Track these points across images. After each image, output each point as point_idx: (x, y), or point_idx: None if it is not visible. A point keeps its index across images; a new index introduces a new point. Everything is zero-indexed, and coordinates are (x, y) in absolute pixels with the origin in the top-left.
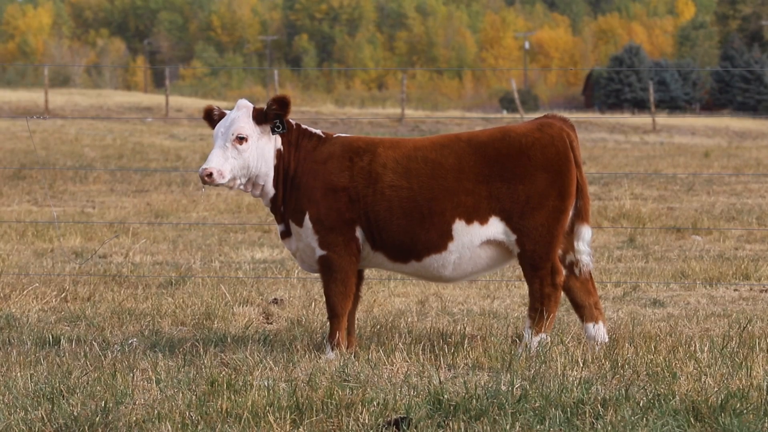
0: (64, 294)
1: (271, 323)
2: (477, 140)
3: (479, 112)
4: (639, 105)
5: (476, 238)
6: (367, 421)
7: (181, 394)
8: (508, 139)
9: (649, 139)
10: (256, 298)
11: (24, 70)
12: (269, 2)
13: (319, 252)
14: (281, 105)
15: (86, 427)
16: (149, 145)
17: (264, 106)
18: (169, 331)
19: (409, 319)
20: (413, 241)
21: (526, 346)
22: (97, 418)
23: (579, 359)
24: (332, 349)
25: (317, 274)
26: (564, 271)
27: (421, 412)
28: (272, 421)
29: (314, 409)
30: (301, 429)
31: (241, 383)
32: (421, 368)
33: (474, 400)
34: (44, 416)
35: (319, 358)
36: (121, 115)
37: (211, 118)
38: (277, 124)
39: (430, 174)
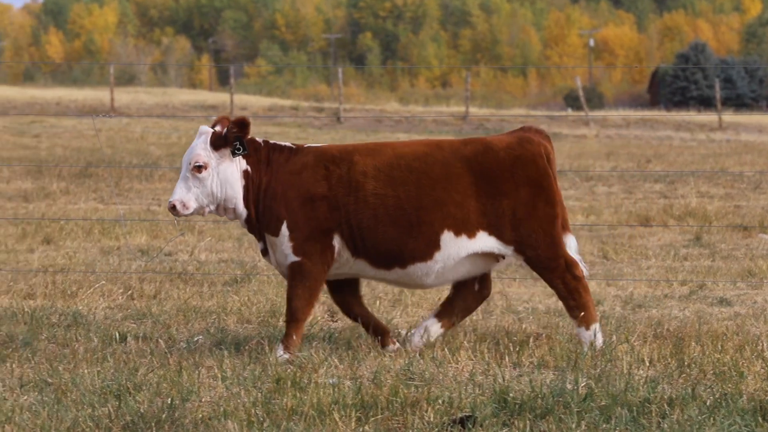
0: (130, 291)
1: (336, 321)
2: (461, 153)
3: (543, 110)
4: (705, 103)
5: (463, 250)
6: (432, 419)
7: (246, 392)
8: (492, 154)
9: (716, 137)
10: (321, 296)
11: (90, 69)
12: (333, 0)
13: (292, 258)
14: (240, 127)
15: (153, 424)
16: None
17: (221, 129)
18: (234, 328)
19: (474, 317)
20: (400, 249)
21: (591, 345)
22: (164, 415)
23: (645, 358)
24: (284, 351)
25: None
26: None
27: (486, 411)
28: (337, 419)
29: (379, 407)
30: (366, 427)
31: (306, 381)
32: (486, 366)
33: (539, 399)
34: (111, 413)
35: (384, 356)
36: (186, 114)
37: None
38: (238, 146)
39: (416, 183)
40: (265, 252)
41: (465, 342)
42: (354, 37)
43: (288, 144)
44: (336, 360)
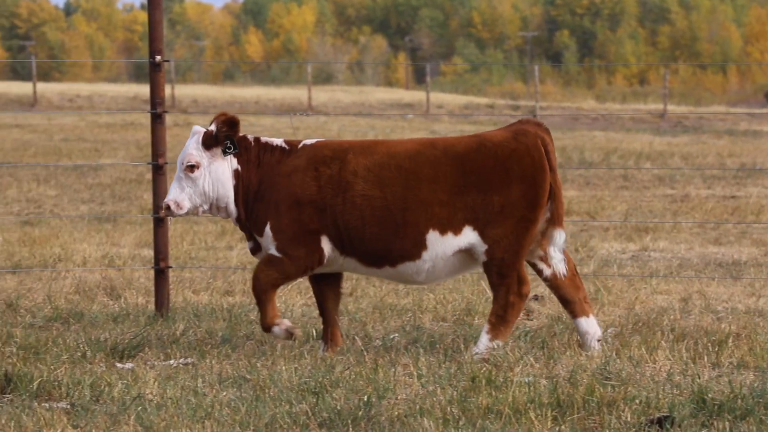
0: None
1: (531, 320)
2: (453, 151)
3: (743, 107)
4: None
5: (449, 248)
6: (629, 419)
7: (441, 390)
8: (485, 150)
9: None
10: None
11: (288, 68)
12: None
13: (273, 252)
14: (230, 125)
15: (349, 421)
16: None
17: (213, 128)
18: (429, 326)
19: (672, 317)
20: (387, 248)
21: (476, 352)
22: (360, 412)
23: None
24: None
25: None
26: (550, 270)
27: (684, 411)
28: (533, 418)
29: (575, 406)
30: (562, 426)
31: (501, 379)
32: (684, 366)
33: (739, 400)
34: (308, 410)
35: (581, 355)
36: (382, 112)
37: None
38: (228, 145)
39: (403, 184)
40: (254, 251)
41: (663, 342)
42: (551, 35)
43: (280, 143)
44: (531, 359)
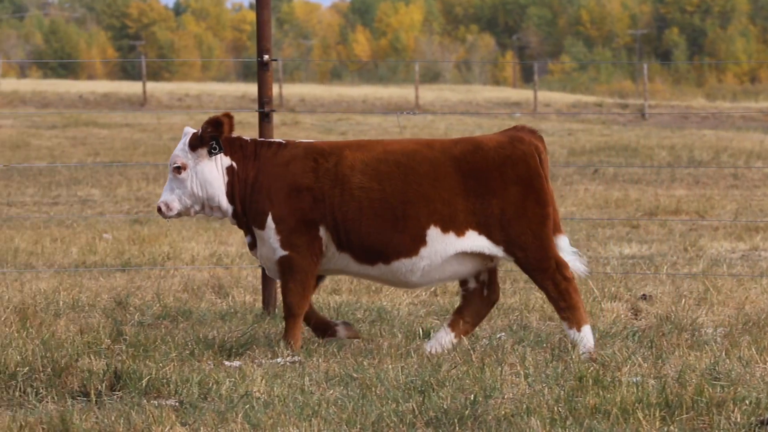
0: (433, 288)
1: (639, 319)
2: (450, 152)
3: None
4: None
5: (451, 248)
6: (738, 419)
7: (549, 389)
8: (481, 154)
9: None
10: (624, 294)
11: (395, 67)
12: None
13: (281, 252)
14: (215, 126)
15: (455, 420)
16: None
17: (199, 130)
18: (536, 326)
19: None
20: (384, 242)
21: (581, 346)
22: (466, 411)
23: None
24: (287, 347)
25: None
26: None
27: None
28: (641, 418)
29: (684, 406)
30: (671, 427)
31: (609, 379)
32: None
33: None
34: (415, 408)
35: (689, 354)
36: (489, 111)
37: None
38: (213, 145)
39: (403, 178)
40: (252, 246)
41: None
42: (660, 33)
43: (278, 140)
44: (639, 358)
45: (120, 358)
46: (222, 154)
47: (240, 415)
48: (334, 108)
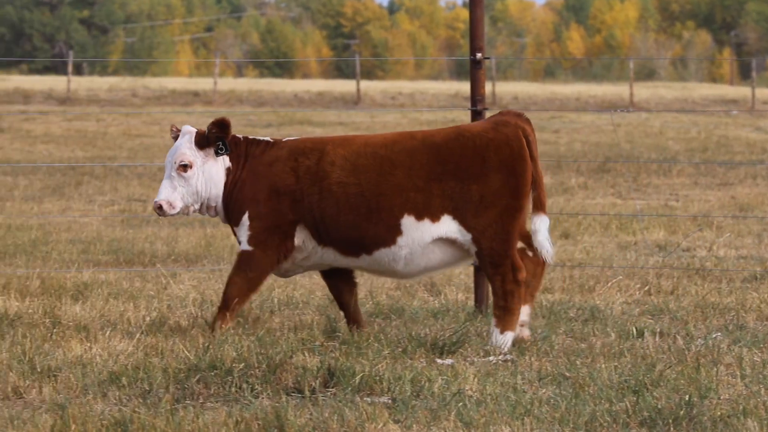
0: (647, 287)
1: None
2: (431, 140)
3: None
4: None
5: (427, 234)
6: None
7: (766, 390)
8: (463, 140)
9: None
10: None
11: (610, 64)
12: None
13: (244, 246)
14: (220, 127)
15: (670, 421)
16: (734, 137)
17: (206, 129)
18: (753, 326)
19: None
20: (361, 235)
21: (495, 347)
22: (681, 412)
23: None
24: (211, 335)
25: None
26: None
27: None
28: None
29: None
30: None
31: None
32: None
33: None
34: (628, 408)
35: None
36: (705, 108)
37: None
38: (220, 146)
39: (378, 170)
40: None
41: None
42: None
43: (266, 138)
44: None
45: (333, 355)
46: (227, 155)
47: (452, 413)
48: (548, 106)
